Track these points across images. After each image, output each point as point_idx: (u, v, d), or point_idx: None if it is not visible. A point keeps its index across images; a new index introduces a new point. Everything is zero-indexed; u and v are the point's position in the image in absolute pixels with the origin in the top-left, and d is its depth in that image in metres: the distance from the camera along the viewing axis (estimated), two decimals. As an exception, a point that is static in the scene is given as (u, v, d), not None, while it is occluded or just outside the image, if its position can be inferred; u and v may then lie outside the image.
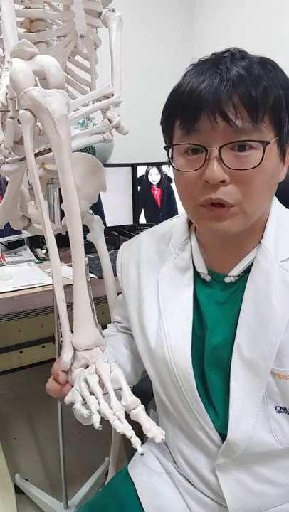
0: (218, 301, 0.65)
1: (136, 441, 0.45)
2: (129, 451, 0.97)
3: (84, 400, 0.51)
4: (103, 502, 0.79)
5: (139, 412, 0.48)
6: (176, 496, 0.74)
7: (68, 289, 1.43)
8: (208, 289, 0.66)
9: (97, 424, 0.47)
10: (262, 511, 0.67)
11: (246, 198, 0.55)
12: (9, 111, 0.54)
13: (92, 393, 0.51)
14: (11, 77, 0.49)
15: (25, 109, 0.48)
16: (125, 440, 1.04)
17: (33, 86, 0.49)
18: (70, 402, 0.54)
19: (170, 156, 0.60)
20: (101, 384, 0.53)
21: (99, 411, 0.48)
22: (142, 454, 0.46)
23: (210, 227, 0.58)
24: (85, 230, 0.54)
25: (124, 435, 1.07)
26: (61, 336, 0.58)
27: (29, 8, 0.81)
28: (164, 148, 0.61)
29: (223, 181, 0.53)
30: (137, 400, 0.49)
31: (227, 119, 0.51)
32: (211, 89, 0.51)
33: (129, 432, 0.46)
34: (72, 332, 0.58)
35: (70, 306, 1.31)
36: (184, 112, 0.55)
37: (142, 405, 0.49)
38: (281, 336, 0.58)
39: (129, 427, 0.46)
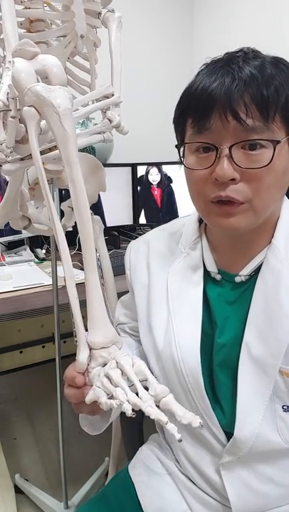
0: (228, 301, 0.65)
1: (172, 427, 0.44)
2: (130, 451, 0.97)
3: (107, 394, 0.49)
4: (103, 502, 0.79)
5: (170, 400, 0.47)
6: (177, 496, 0.73)
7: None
8: (219, 288, 0.66)
9: (130, 412, 0.45)
10: (264, 511, 0.67)
11: (256, 195, 0.55)
12: (11, 110, 0.55)
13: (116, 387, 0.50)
14: (13, 77, 0.49)
15: (29, 106, 0.48)
16: (125, 440, 1.04)
17: None
18: (91, 401, 0.52)
19: (181, 154, 0.61)
20: (124, 378, 0.51)
21: (127, 401, 0.47)
22: (180, 441, 0.45)
23: (219, 223, 0.58)
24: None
25: (124, 435, 1.07)
26: (75, 336, 0.56)
27: (29, 8, 0.81)
28: (176, 146, 0.61)
29: (233, 179, 0.54)
30: (166, 389, 0.48)
31: (238, 117, 0.52)
32: (223, 88, 0.52)
33: (164, 417, 0.44)
34: (86, 331, 0.56)
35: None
36: (195, 110, 0.55)
37: (171, 394, 0.48)
38: None
39: (162, 413, 0.45)
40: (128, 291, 0.84)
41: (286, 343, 0.58)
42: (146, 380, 0.50)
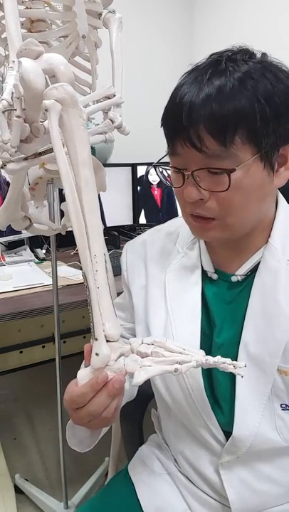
0: (225, 300, 0.66)
1: (239, 364, 0.52)
2: (129, 451, 0.97)
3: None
4: (103, 502, 0.79)
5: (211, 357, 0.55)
6: (177, 496, 0.74)
7: (68, 289, 1.42)
8: (216, 287, 0.67)
9: (231, 362, 0.53)
10: (263, 510, 0.67)
11: (226, 213, 0.56)
12: (16, 110, 0.55)
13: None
14: (22, 77, 0.50)
15: (55, 100, 0.50)
16: (125, 440, 1.04)
17: (44, 85, 0.51)
18: (144, 381, 0.54)
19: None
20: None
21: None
22: (243, 371, 0.52)
23: (198, 235, 0.63)
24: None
25: (124, 435, 1.07)
26: (92, 331, 0.57)
27: (30, 8, 0.81)
28: (153, 165, 0.65)
29: (201, 199, 0.56)
30: (203, 351, 0.55)
31: (195, 146, 0.53)
32: (185, 115, 0.52)
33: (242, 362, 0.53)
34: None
35: (75, 305, 1.29)
36: (166, 134, 0.58)
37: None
38: (288, 334, 0.59)
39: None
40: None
41: (284, 342, 0.59)
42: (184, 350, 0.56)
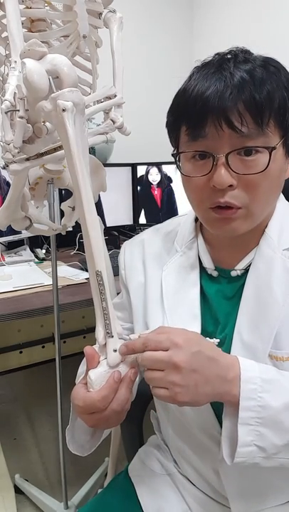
0: (227, 296, 0.66)
1: None
2: (129, 452, 0.97)
3: None
4: (103, 503, 0.79)
5: None
6: (177, 497, 0.74)
7: (68, 289, 1.42)
8: (216, 284, 0.67)
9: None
10: (262, 510, 0.67)
11: (253, 200, 0.56)
12: (19, 110, 0.55)
13: None
14: (25, 78, 0.50)
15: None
16: (125, 441, 1.04)
17: (48, 86, 0.51)
18: None
19: (178, 160, 0.61)
20: None
21: None
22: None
23: (220, 228, 0.59)
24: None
25: (123, 436, 1.07)
26: (107, 328, 0.57)
27: (30, 8, 0.81)
28: (172, 155, 0.62)
29: (230, 186, 0.55)
30: None
31: (233, 126, 0.52)
32: (217, 97, 0.52)
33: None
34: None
35: (75, 305, 1.29)
36: (190, 118, 0.56)
37: None
38: (279, 320, 0.59)
39: None
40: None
41: (275, 329, 0.59)
42: None
